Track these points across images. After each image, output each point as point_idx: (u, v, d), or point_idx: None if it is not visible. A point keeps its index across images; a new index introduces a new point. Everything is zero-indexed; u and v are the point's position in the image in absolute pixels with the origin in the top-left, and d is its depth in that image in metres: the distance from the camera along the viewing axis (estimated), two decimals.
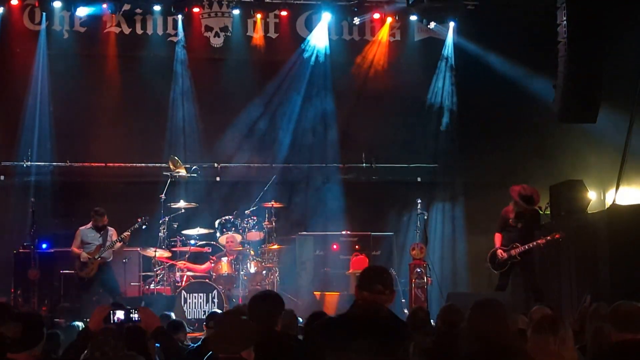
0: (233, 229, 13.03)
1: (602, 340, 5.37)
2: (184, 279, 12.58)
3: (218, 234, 13.10)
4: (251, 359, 4.53)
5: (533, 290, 11.65)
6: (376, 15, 15.53)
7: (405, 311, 12.91)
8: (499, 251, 11.80)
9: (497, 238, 11.97)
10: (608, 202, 12.96)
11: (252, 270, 12.81)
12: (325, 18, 15.37)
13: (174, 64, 15.11)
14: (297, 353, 5.20)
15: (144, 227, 12.54)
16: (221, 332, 4.61)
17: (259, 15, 15.29)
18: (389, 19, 15.53)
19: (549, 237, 11.62)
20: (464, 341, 4.67)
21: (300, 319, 7.66)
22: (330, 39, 15.53)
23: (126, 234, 12.38)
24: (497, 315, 4.60)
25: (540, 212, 12.69)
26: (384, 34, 15.64)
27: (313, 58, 15.49)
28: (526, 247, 11.65)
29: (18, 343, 5.09)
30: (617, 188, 12.07)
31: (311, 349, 4.80)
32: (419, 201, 13.67)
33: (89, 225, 12.56)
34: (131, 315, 5.53)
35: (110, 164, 14.91)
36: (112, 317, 5.55)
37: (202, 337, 7.24)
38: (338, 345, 4.38)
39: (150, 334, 5.52)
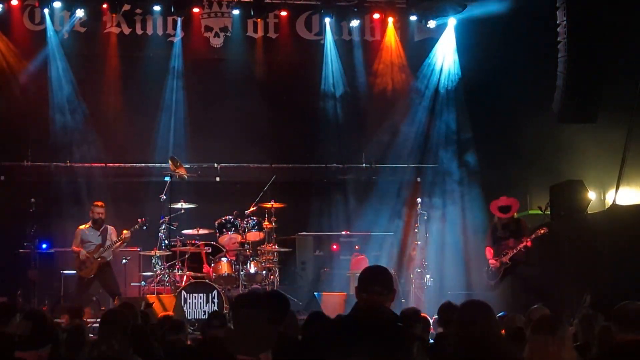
0: (233, 229, 13.02)
1: (607, 340, 5.36)
2: (184, 279, 12.57)
3: (218, 234, 13.10)
4: None
5: (534, 291, 11.66)
6: (376, 16, 15.54)
7: None
8: (491, 261, 11.89)
9: (488, 251, 12.06)
10: (608, 203, 12.95)
11: (252, 270, 12.79)
12: (328, 19, 15.36)
13: (174, 64, 15.10)
14: (296, 354, 5.19)
15: (144, 228, 12.58)
16: (241, 331, 4.53)
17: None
18: (390, 20, 15.54)
19: (533, 236, 11.71)
20: (452, 342, 4.65)
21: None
22: (330, 39, 15.52)
23: (126, 233, 12.39)
24: (483, 316, 4.57)
25: (541, 212, 12.71)
26: (389, 35, 15.64)
27: (314, 59, 15.51)
28: (515, 251, 11.73)
29: (27, 341, 5.00)
30: (617, 188, 12.07)
31: (312, 351, 4.78)
32: (419, 201, 13.67)
33: (88, 224, 12.60)
34: None
35: (110, 164, 14.90)
36: None
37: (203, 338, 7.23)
38: (340, 347, 4.36)
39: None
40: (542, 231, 11.72)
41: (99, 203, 12.65)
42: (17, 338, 4.94)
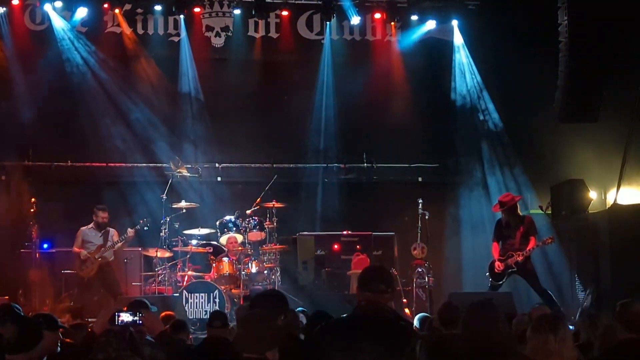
0: (234, 229, 13.04)
1: (610, 340, 5.36)
2: (185, 278, 12.59)
3: (219, 234, 13.11)
4: (276, 359, 4.51)
5: (540, 294, 11.63)
6: (377, 15, 15.54)
7: (407, 310, 12.92)
8: (496, 263, 11.83)
9: (495, 248, 11.99)
10: (609, 202, 12.97)
11: (254, 270, 12.80)
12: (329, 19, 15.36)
13: (175, 63, 15.10)
14: (299, 353, 5.19)
15: (145, 228, 12.60)
16: (247, 331, 4.56)
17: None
18: (392, 20, 15.53)
19: (540, 243, 11.66)
20: (459, 343, 4.60)
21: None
22: (331, 39, 15.54)
23: (130, 231, 12.38)
24: (492, 317, 4.48)
25: (542, 211, 12.70)
26: (390, 33, 15.63)
27: (316, 58, 15.51)
28: (520, 255, 11.69)
29: (15, 345, 5.02)
30: (618, 188, 12.08)
31: (316, 350, 4.78)
32: (420, 201, 13.66)
33: (90, 225, 12.63)
34: (135, 318, 5.53)
35: (112, 164, 14.89)
36: (117, 319, 5.56)
37: (204, 337, 7.23)
38: (344, 347, 4.36)
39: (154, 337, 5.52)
40: (549, 241, 11.69)
41: (103, 207, 12.64)
42: (5, 342, 4.94)
